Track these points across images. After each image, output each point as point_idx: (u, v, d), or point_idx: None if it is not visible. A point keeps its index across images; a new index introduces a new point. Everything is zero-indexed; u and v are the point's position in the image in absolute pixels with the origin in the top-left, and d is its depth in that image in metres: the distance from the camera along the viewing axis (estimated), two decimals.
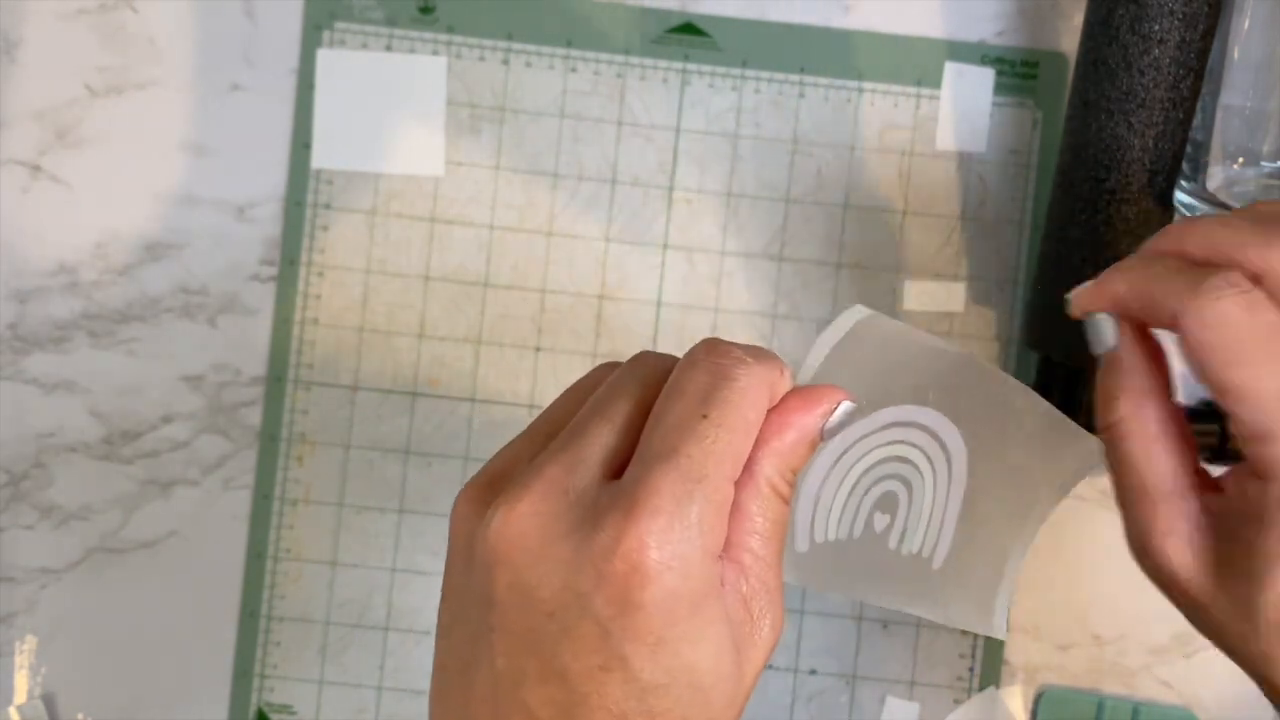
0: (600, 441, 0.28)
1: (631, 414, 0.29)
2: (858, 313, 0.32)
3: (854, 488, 0.33)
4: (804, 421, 0.29)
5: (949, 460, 0.34)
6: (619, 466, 0.28)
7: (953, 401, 0.33)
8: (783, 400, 0.29)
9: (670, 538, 0.26)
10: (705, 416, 0.27)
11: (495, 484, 0.29)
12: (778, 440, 0.29)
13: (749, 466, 0.28)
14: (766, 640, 0.28)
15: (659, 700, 0.26)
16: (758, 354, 0.29)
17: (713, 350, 0.29)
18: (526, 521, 0.27)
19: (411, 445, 0.52)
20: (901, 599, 0.35)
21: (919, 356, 0.33)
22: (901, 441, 0.33)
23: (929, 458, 0.34)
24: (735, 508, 0.28)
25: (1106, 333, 0.32)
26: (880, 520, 0.34)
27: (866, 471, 0.33)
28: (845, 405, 0.30)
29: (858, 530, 0.33)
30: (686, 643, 0.26)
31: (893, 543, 0.34)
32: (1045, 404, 0.34)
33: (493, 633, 0.27)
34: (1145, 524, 0.31)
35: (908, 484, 0.34)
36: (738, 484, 0.28)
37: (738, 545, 0.28)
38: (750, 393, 0.28)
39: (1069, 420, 0.34)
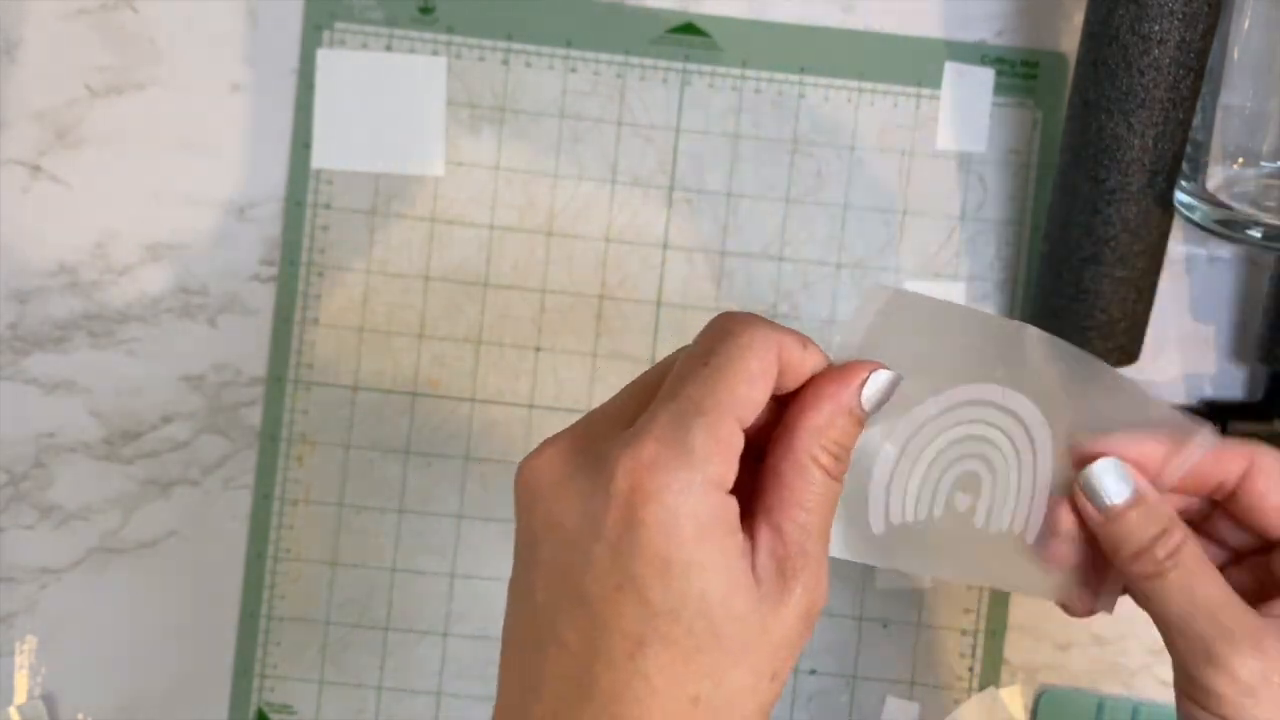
0: (626, 400, 0.31)
1: (657, 379, 0.31)
2: (883, 291, 0.32)
3: (929, 468, 0.33)
4: (838, 394, 0.30)
5: (1030, 437, 0.34)
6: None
7: (1022, 377, 0.33)
8: (814, 377, 0.31)
9: (669, 461, 0.28)
10: (705, 365, 0.29)
11: None
12: (813, 413, 0.30)
13: (789, 441, 0.30)
14: (799, 603, 0.29)
15: (671, 626, 0.28)
16: (776, 325, 0.30)
17: (725, 316, 0.31)
18: (552, 461, 0.30)
19: (411, 445, 0.52)
20: (991, 577, 0.36)
21: (973, 331, 0.34)
22: (977, 421, 0.33)
23: (1009, 436, 0.34)
24: (776, 477, 0.30)
25: (1120, 480, 0.33)
26: (962, 500, 0.34)
27: (941, 452, 0.33)
28: (882, 375, 0.31)
29: (938, 510, 0.34)
30: (695, 568, 0.28)
31: (979, 521, 0.34)
32: (1130, 381, 0.34)
33: (533, 569, 0.30)
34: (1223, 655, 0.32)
35: (989, 463, 0.34)
36: (778, 456, 0.30)
37: (779, 513, 0.29)
38: (754, 347, 0.29)
39: (1157, 401, 0.34)
